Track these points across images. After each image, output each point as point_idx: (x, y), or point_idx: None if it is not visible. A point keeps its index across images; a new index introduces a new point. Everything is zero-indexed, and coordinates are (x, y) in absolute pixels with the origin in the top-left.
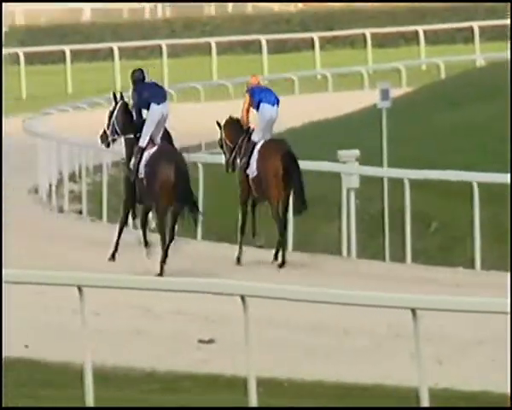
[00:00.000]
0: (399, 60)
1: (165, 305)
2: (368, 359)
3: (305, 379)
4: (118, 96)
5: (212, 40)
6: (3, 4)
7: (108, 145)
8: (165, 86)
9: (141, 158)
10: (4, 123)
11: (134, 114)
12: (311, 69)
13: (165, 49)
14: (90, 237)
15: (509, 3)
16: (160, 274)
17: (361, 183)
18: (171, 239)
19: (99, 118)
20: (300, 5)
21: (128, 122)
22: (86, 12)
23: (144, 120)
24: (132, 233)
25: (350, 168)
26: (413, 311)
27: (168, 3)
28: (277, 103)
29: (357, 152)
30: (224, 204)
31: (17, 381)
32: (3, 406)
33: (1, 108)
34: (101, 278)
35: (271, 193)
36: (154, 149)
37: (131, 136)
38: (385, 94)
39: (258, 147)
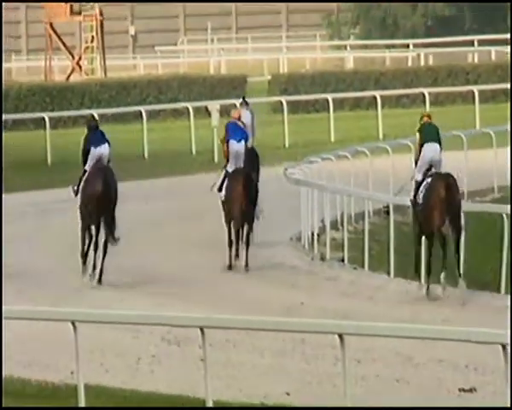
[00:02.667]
0: None
1: (426, 353)
2: None
3: None
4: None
5: (475, 88)
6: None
7: None
8: None
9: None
10: (267, 171)
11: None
12: None
13: (427, 97)
14: (352, 286)
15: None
16: (99, 280)
17: None
18: (104, 253)
19: (361, 166)
20: None
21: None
22: (349, 60)
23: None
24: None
25: None
26: None
27: (431, 50)
28: (245, 140)
29: None
30: (486, 251)
31: None
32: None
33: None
34: (361, 326)
35: (234, 211)
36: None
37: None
38: None
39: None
